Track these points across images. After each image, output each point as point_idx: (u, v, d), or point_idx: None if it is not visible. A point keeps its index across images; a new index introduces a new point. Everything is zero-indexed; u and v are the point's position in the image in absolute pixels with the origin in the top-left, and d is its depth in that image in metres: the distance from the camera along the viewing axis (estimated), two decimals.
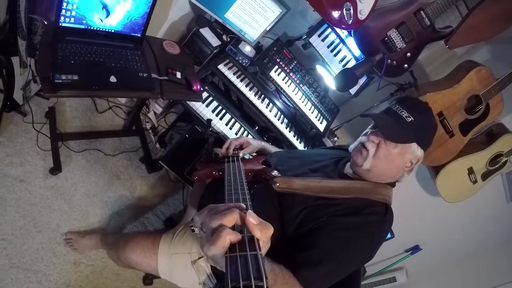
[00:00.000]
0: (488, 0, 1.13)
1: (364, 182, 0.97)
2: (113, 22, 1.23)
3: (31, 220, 1.37)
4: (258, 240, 0.45)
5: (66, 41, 1.13)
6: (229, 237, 0.44)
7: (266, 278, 0.39)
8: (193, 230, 0.52)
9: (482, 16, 1.17)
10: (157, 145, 1.90)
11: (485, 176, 1.59)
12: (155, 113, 1.91)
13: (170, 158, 1.79)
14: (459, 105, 1.36)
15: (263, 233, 0.46)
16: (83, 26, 1.18)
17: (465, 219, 1.89)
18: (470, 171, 1.54)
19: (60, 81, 1.03)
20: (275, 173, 1.00)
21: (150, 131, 1.89)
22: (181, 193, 1.87)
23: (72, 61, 1.10)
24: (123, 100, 1.87)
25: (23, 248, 1.32)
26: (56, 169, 1.49)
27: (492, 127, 1.53)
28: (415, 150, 0.93)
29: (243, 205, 0.50)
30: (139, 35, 1.32)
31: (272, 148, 1.33)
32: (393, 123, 0.93)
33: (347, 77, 1.29)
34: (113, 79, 1.15)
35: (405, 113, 0.93)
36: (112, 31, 1.25)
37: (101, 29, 1.22)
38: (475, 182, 1.58)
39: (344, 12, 1.26)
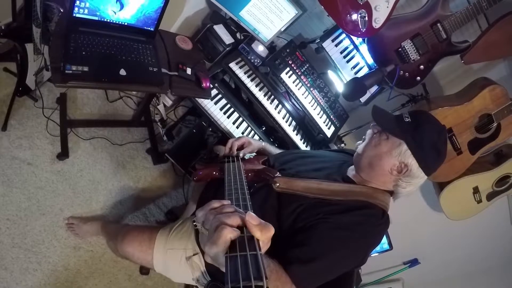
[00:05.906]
0: (508, 18, 1.09)
1: (363, 187, 0.97)
2: (127, 15, 1.24)
3: (35, 203, 1.41)
4: (258, 240, 0.46)
5: (79, 32, 1.15)
6: (229, 235, 0.45)
7: (266, 278, 0.40)
8: (196, 226, 0.53)
9: (501, 34, 1.14)
10: (165, 138, 1.92)
11: (490, 197, 1.55)
12: (165, 105, 1.92)
13: (177, 151, 1.81)
14: (469, 123, 1.33)
15: (263, 233, 0.47)
16: (96, 18, 1.19)
17: (466, 237, 1.87)
18: (476, 190, 1.51)
19: (71, 71, 1.05)
20: (275, 173, 1.01)
21: (158, 123, 1.91)
22: (184, 187, 1.89)
23: (84, 52, 1.12)
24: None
25: (26, 229, 1.36)
26: (63, 154, 1.52)
27: (502, 147, 1.49)
28: (403, 152, 0.91)
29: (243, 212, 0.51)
30: (152, 29, 1.32)
31: (273, 149, 1.33)
32: (390, 118, 0.99)
33: (356, 87, 1.27)
34: (122, 72, 1.16)
35: (407, 116, 0.96)
36: (125, 24, 1.25)
37: (114, 22, 1.23)
38: (479, 201, 1.54)
39: (359, 19, 1.24)
